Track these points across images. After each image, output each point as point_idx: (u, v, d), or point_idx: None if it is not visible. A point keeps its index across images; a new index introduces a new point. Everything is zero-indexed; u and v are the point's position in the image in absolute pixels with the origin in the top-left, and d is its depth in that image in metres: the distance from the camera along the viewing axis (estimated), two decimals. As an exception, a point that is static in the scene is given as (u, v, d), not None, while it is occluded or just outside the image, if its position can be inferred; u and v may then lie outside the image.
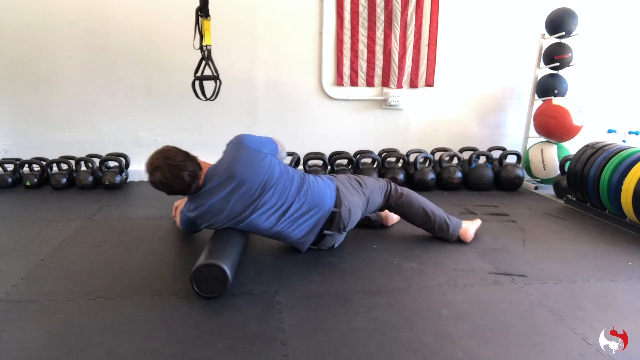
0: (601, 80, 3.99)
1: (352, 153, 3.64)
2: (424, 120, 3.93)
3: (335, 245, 2.17)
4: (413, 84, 3.81)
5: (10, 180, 3.27)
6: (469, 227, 2.31)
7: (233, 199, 1.87)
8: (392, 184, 2.33)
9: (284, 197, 1.95)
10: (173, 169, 1.81)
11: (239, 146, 1.95)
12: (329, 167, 3.47)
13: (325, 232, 2.06)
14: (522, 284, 1.85)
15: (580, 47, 3.67)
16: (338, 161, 3.54)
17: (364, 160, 3.61)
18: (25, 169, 3.39)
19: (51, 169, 3.40)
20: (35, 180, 3.27)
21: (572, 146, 3.49)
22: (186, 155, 1.88)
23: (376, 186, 2.25)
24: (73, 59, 3.43)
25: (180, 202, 2.46)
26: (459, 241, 2.30)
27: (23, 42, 3.36)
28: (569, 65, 3.56)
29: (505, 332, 1.49)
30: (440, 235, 2.30)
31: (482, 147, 3.87)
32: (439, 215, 2.28)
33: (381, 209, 2.37)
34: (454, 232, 2.27)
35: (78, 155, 3.48)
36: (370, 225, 2.51)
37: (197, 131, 3.68)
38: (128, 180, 3.58)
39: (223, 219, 1.91)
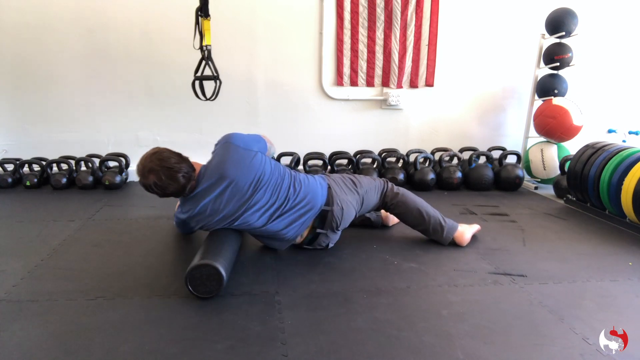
0: (601, 80, 3.99)
1: (352, 153, 3.64)
2: (424, 120, 3.93)
3: (330, 245, 2.17)
4: (413, 84, 3.81)
5: (10, 180, 3.27)
6: (465, 231, 2.27)
7: (225, 199, 1.86)
8: (389, 183, 2.32)
9: (276, 195, 1.95)
10: (168, 171, 1.79)
11: (228, 145, 1.94)
12: (328, 167, 3.47)
13: (318, 230, 2.06)
14: (522, 284, 1.85)
15: (580, 47, 3.67)
16: (338, 161, 3.54)
17: (364, 160, 3.61)
18: (25, 169, 3.39)
19: (51, 169, 3.40)
20: (35, 180, 3.27)
21: (572, 146, 3.49)
22: (179, 157, 1.87)
23: (371, 185, 2.25)
24: (73, 59, 3.43)
25: None
26: (453, 244, 2.27)
27: (23, 42, 3.36)
28: (569, 65, 3.56)
29: (505, 332, 1.49)
30: (435, 238, 2.28)
31: (482, 147, 3.87)
32: (434, 216, 2.25)
33: (377, 209, 2.37)
34: (448, 235, 2.24)
35: (78, 155, 3.48)
36: (370, 225, 2.51)
37: (197, 131, 3.68)
38: (128, 180, 3.57)
39: (216, 220, 1.90)
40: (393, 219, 2.56)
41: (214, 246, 1.81)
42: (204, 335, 1.44)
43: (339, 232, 2.17)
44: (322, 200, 2.04)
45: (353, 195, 2.15)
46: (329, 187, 2.09)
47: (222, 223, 1.92)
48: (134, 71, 3.50)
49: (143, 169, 1.82)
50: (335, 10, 3.59)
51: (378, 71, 3.76)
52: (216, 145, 2.00)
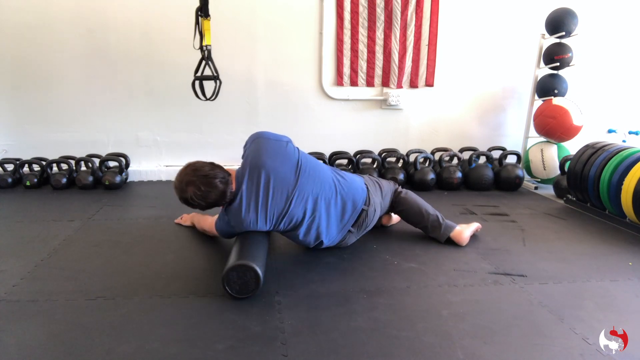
0: (601, 80, 3.99)
1: (352, 153, 3.64)
2: (424, 120, 3.93)
3: (348, 244, 2.18)
4: (413, 84, 3.81)
5: (10, 180, 3.27)
6: (464, 230, 2.28)
7: (271, 194, 1.86)
8: (396, 184, 2.40)
9: (319, 183, 1.95)
10: (204, 179, 1.81)
11: (259, 140, 1.95)
12: (331, 166, 3.47)
13: (350, 229, 2.08)
14: (522, 284, 1.85)
15: (580, 47, 3.67)
16: (338, 161, 3.54)
17: (364, 160, 3.61)
18: (25, 169, 3.39)
19: (51, 169, 3.40)
20: (35, 180, 3.27)
21: (572, 146, 3.49)
22: (212, 165, 1.89)
23: (388, 189, 2.31)
24: (73, 59, 3.43)
25: (191, 217, 2.46)
26: (453, 244, 2.27)
27: (23, 42, 3.36)
28: (569, 65, 3.55)
29: (505, 332, 1.49)
30: (433, 235, 2.30)
31: (482, 147, 3.87)
32: (433, 214, 2.30)
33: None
34: (445, 232, 2.26)
35: (78, 155, 3.48)
36: (370, 225, 2.52)
37: (197, 131, 3.67)
38: (128, 180, 3.58)
39: (269, 219, 1.88)
40: (392, 219, 2.56)
41: (262, 255, 1.79)
42: (204, 335, 1.44)
43: (360, 235, 2.20)
44: (363, 199, 2.07)
45: (379, 198, 2.19)
46: (367, 187, 2.12)
47: (273, 221, 1.90)
48: (134, 71, 3.49)
49: (180, 183, 1.84)
50: (335, 10, 3.59)
51: (378, 71, 3.76)
52: (244, 147, 2.00)
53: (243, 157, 1.97)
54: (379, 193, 2.21)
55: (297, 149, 2.01)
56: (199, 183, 1.80)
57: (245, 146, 2.00)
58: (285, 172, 1.88)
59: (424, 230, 2.34)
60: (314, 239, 2.03)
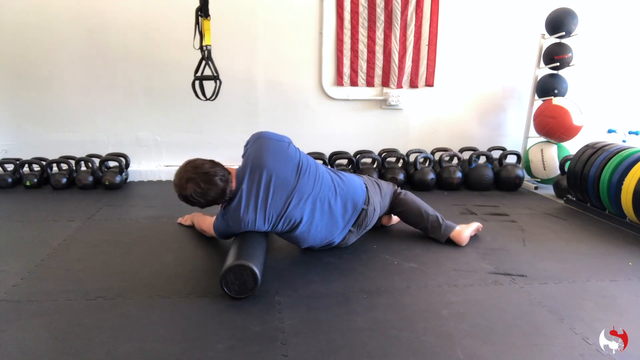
0: (601, 80, 3.99)
1: (352, 153, 3.64)
2: (424, 120, 3.93)
3: (348, 244, 2.18)
4: (413, 84, 3.81)
5: (10, 180, 3.27)
6: (463, 230, 2.28)
7: (271, 194, 1.86)
8: (395, 185, 2.41)
9: (319, 184, 1.95)
10: (205, 176, 1.80)
11: (261, 140, 1.94)
12: (329, 167, 3.47)
13: (350, 228, 2.09)
14: (522, 284, 1.85)
15: (580, 47, 3.67)
16: (338, 161, 3.54)
17: (364, 160, 3.61)
18: (25, 169, 3.39)
19: (51, 169, 3.40)
20: (35, 180, 3.27)
21: (572, 146, 3.49)
22: (213, 162, 1.88)
23: (387, 189, 2.32)
24: (73, 59, 3.43)
25: (193, 216, 2.45)
26: (453, 244, 2.27)
27: (23, 42, 3.36)
28: (569, 65, 3.55)
29: (505, 332, 1.49)
30: (433, 236, 2.31)
31: (482, 147, 3.87)
32: (433, 215, 2.31)
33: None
34: (445, 232, 2.27)
35: (78, 155, 3.48)
36: (370, 225, 2.52)
37: (197, 131, 3.68)
38: (128, 180, 3.58)
39: (267, 219, 1.88)
40: (392, 220, 2.56)
41: (260, 254, 1.79)
42: (204, 335, 1.44)
43: (359, 235, 2.20)
44: (363, 198, 2.07)
45: (378, 197, 2.20)
46: (366, 187, 2.12)
47: (272, 222, 1.89)
48: (134, 71, 3.50)
49: (180, 180, 1.83)
50: (335, 10, 3.59)
51: (378, 71, 3.76)
52: (246, 146, 1.99)
53: (243, 156, 1.97)
54: (378, 192, 2.22)
55: (298, 150, 2.01)
56: (199, 180, 1.79)
57: (246, 145, 2.00)
58: (286, 173, 1.88)
59: (424, 231, 2.34)
60: (315, 241, 2.03)
